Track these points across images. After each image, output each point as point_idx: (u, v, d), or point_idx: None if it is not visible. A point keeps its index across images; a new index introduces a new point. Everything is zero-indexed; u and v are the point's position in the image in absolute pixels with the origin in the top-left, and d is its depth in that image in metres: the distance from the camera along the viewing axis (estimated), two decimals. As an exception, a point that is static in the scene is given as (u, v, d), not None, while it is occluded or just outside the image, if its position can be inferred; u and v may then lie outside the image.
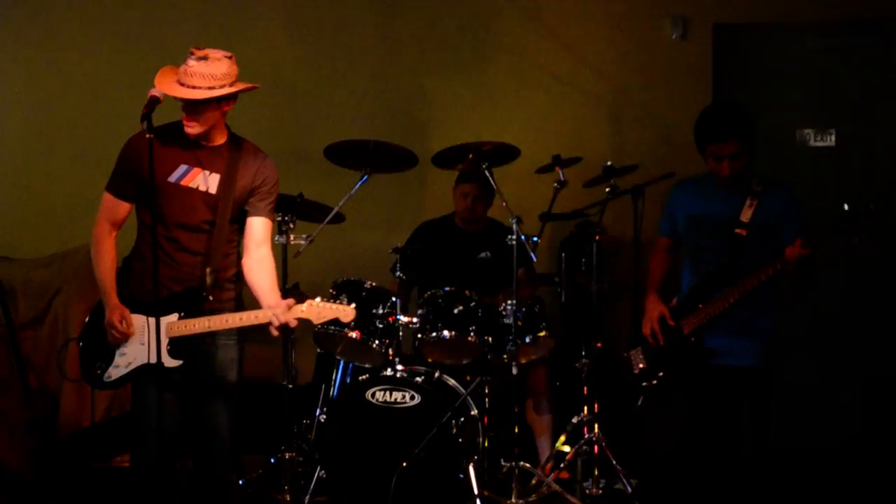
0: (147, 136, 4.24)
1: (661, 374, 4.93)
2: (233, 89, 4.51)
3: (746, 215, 4.73)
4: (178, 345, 4.49)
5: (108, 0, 7.27)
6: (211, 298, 4.54)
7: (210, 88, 4.42)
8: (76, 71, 7.21)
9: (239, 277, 4.70)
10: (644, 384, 5.02)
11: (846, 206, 4.41)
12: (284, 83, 7.23)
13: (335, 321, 5.67)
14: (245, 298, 4.76)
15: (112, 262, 4.59)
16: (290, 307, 4.47)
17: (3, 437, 6.01)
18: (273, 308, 4.49)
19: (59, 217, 6.91)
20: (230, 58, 4.51)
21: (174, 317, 4.51)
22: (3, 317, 6.17)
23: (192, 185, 4.54)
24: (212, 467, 4.66)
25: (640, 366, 5.04)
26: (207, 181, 4.56)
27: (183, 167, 4.53)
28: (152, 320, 4.45)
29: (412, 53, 7.21)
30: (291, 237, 5.97)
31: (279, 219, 5.95)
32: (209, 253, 4.57)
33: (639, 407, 5.84)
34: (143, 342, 4.51)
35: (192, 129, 4.50)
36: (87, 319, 4.69)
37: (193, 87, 4.40)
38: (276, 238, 5.93)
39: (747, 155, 4.75)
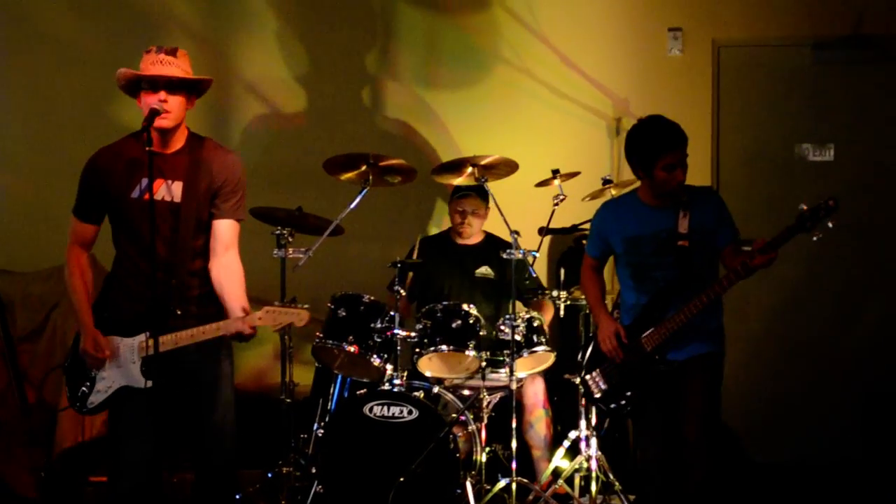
0: (147, 149, 4.23)
1: (628, 393, 4.94)
2: (204, 77, 4.50)
3: (684, 226, 4.78)
4: (152, 365, 4.34)
5: (108, 10, 7.27)
6: (179, 312, 4.45)
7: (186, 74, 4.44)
8: (76, 84, 7.21)
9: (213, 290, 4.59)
10: (612, 406, 5.03)
11: (803, 207, 4.44)
12: (284, 97, 7.24)
13: (330, 336, 5.77)
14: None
15: (85, 285, 4.51)
16: (243, 317, 4.37)
17: (1, 451, 6.00)
18: (231, 318, 4.42)
19: (57, 230, 6.84)
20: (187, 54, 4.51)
21: (143, 335, 4.39)
22: (1, 330, 6.16)
23: (157, 197, 4.40)
24: (215, 484, 4.61)
25: (603, 388, 5.05)
26: (171, 190, 4.45)
27: (145, 181, 4.37)
28: (127, 341, 4.43)
29: (412, 67, 7.22)
30: (290, 250, 5.96)
31: (278, 232, 5.94)
32: (176, 264, 4.48)
33: (606, 430, 5.86)
34: (120, 365, 4.44)
35: (166, 121, 4.38)
36: (71, 346, 4.62)
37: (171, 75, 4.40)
38: (275, 252, 5.94)
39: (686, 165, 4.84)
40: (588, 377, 5.13)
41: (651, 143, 4.82)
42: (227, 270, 4.54)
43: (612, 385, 5.00)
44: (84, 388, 4.49)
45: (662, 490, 4.96)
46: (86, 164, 4.55)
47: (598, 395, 5.07)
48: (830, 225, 4.41)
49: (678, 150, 4.77)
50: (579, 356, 5.26)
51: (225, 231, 4.57)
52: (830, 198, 4.42)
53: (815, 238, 4.44)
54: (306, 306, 4.45)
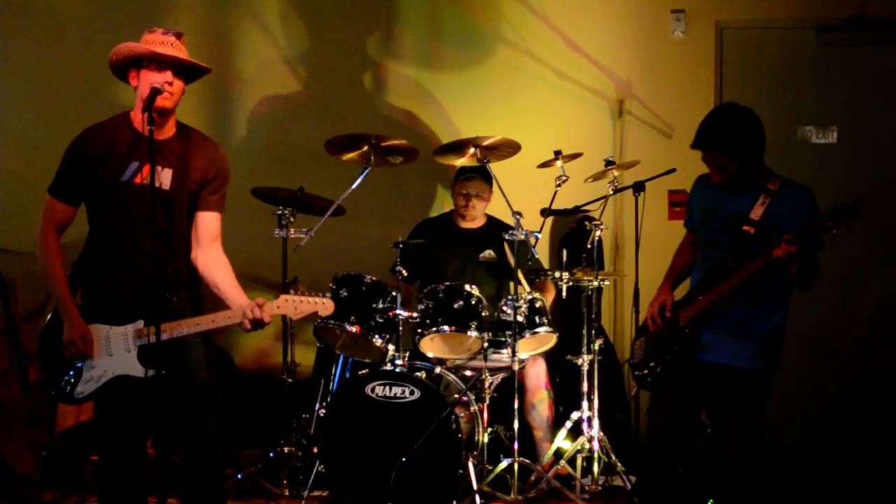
0: (147, 128, 4.20)
1: (652, 364, 4.92)
2: (206, 66, 4.45)
3: (757, 213, 4.70)
4: (147, 352, 4.28)
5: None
6: (175, 300, 4.40)
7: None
8: (78, 64, 7.18)
9: (195, 275, 4.53)
10: (636, 373, 5.02)
11: (834, 206, 4.41)
12: (285, 77, 7.22)
13: (332, 316, 5.74)
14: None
15: (64, 270, 4.40)
16: (260, 305, 4.30)
17: (2, 430, 6.00)
18: (244, 307, 4.33)
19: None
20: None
21: (139, 323, 4.33)
22: (2, 309, 6.15)
23: (145, 182, 4.30)
24: (203, 468, 4.55)
25: (640, 355, 5.04)
26: (160, 177, 4.37)
27: (134, 164, 4.33)
28: (117, 329, 4.36)
29: (413, 47, 7.20)
30: (292, 231, 5.95)
31: (279, 212, 5.94)
32: (168, 252, 4.41)
33: (632, 396, 5.85)
34: (112, 353, 4.35)
35: (168, 100, 4.32)
36: (40, 335, 4.49)
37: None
38: (277, 232, 5.93)
39: (737, 164, 4.68)
40: (635, 342, 5.12)
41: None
42: (218, 263, 4.50)
43: (646, 353, 4.99)
44: (68, 379, 4.38)
45: (654, 474, 4.94)
46: (72, 142, 4.45)
47: (634, 361, 5.06)
48: (848, 226, 4.39)
49: (703, 153, 4.71)
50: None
51: (211, 223, 4.52)
52: (855, 200, 4.39)
53: (832, 238, 4.42)
54: (328, 295, 4.40)
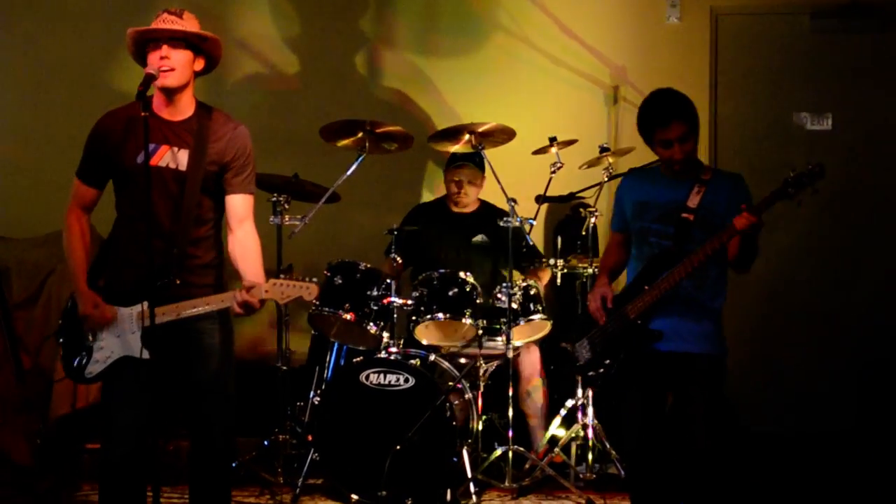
0: (143, 114, 4.19)
1: (607, 361, 4.88)
2: (209, 34, 4.42)
3: (694, 201, 4.70)
4: (152, 335, 4.24)
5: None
6: (178, 282, 4.36)
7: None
8: (72, 49, 7.17)
9: (219, 261, 4.52)
10: (591, 374, 4.97)
11: (791, 173, 4.38)
12: (280, 63, 7.20)
13: (327, 304, 5.76)
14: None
15: (82, 248, 4.46)
16: (249, 289, 4.27)
17: (-3, 418, 6.01)
18: (238, 290, 4.32)
19: (53, 197, 6.79)
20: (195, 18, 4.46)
21: (144, 305, 4.30)
22: (-4, 296, 6.15)
23: (161, 163, 4.34)
24: (209, 458, 4.55)
25: (587, 356, 4.97)
26: (177, 158, 4.37)
27: (150, 146, 4.31)
28: (125, 310, 4.37)
29: (409, 34, 7.19)
30: (286, 218, 5.94)
31: (274, 199, 5.93)
32: (178, 233, 4.39)
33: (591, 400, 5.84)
34: (119, 334, 4.38)
35: (168, 78, 4.30)
36: (62, 315, 4.57)
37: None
38: (271, 219, 5.92)
39: (694, 138, 4.71)
40: (577, 344, 5.06)
41: (646, 117, 4.76)
42: (242, 245, 4.47)
43: (595, 353, 4.93)
44: (80, 359, 4.44)
45: (639, 473, 4.93)
46: (95, 124, 4.48)
47: (581, 363, 5.00)
48: (813, 191, 4.36)
49: (670, 127, 4.68)
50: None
51: (238, 206, 4.49)
52: (815, 164, 4.37)
53: (798, 204, 4.39)
54: (314, 280, 4.40)
